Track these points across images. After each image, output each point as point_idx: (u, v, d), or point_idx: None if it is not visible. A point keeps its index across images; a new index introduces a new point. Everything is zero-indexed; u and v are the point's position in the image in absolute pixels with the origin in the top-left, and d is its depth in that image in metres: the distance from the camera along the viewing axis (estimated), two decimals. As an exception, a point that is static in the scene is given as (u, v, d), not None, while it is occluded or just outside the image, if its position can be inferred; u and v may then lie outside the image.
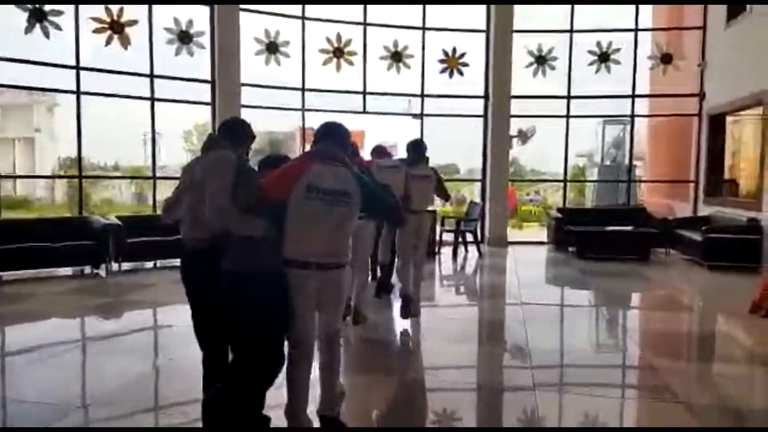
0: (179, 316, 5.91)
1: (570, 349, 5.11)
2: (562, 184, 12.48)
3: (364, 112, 11.38)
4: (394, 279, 6.28)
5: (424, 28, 11.43)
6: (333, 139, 3.02)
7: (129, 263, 8.65)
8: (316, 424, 3.07)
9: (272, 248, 2.76)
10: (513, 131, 11.67)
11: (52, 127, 27.78)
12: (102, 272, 8.24)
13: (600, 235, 10.02)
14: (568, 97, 11.78)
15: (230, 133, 3.07)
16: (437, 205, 20.44)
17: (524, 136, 11.73)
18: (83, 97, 9.24)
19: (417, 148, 5.55)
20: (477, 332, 5.71)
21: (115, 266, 8.46)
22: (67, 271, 8.18)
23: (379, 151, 5.97)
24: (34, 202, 25.09)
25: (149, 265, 8.87)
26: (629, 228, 10.18)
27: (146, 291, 7.29)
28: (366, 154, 6.19)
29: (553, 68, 11.74)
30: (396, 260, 5.83)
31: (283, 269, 2.79)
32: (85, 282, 7.73)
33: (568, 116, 11.84)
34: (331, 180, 2.82)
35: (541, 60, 11.66)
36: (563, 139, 11.94)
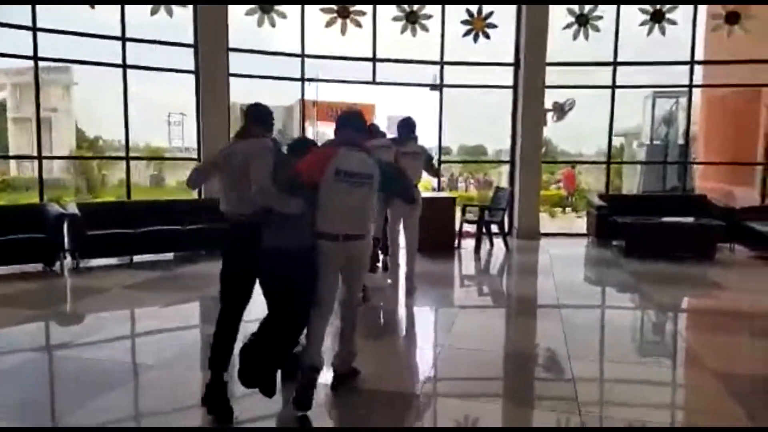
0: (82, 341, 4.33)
1: (633, 409, 3.54)
2: (600, 168, 10.75)
3: (374, 82, 9.79)
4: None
5: (444, -17, 9.74)
6: (355, 126, 3.42)
7: (90, 260, 7.33)
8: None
9: (307, 224, 3.17)
10: (548, 104, 9.96)
11: (69, 107, 27.32)
12: (59, 270, 6.96)
13: (654, 227, 8.31)
14: (615, 64, 10.01)
15: (260, 120, 3.39)
16: (463, 191, 19.15)
17: (561, 110, 10.01)
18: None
19: (406, 126, 5.92)
20: (503, 375, 4.13)
21: (72, 263, 7.17)
22: (29, 267, 6.91)
23: (371, 131, 5.71)
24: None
25: (115, 261, 7.51)
26: (689, 219, 8.45)
27: (89, 299, 5.89)
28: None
29: (597, 30, 9.96)
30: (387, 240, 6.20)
31: (314, 242, 3.20)
32: (22, 286, 6.31)
33: (614, 86, 10.08)
34: (355, 164, 3.22)
35: (583, 19, 9.87)
36: (602, 113, 10.25)
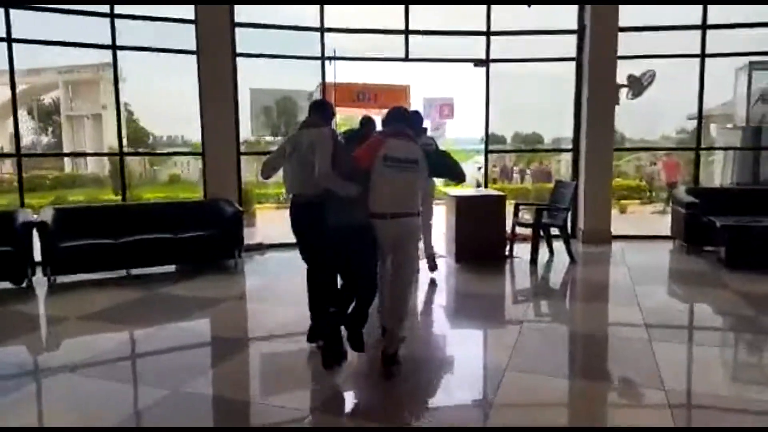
0: None
1: None
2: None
3: (407, 59, 8.23)
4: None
5: (490, -64, 8.06)
6: (401, 118, 3.86)
7: (68, 276, 6.17)
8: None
9: (363, 205, 3.57)
10: (621, 79, 8.14)
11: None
12: (27, 288, 5.86)
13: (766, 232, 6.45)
14: (704, 27, 8.08)
15: (321, 113, 3.97)
16: (518, 184, 17.30)
17: (638, 85, 8.15)
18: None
19: (418, 119, 5.61)
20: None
21: (46, 280, 6.05)
22: None
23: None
24: (89, 182, 24.38)
25: (103, 275, 6.30)
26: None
27: (22, 337, 4.67)
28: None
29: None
30: None
31: (369, 220, 3.59)
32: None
33: (703, 55, 8.15)
34: (402, 151, 3.62)
35: (664, -27, 8.00)
36: (676, 89, 8.46)
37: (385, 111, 4.03)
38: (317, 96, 8.40)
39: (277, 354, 4.18)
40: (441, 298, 5.75)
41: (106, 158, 24.09)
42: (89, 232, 6.35)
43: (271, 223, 11.30)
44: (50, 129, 29.52)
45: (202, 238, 6.63)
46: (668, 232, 8.01)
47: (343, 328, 3.73)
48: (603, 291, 5.99)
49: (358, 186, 3.55)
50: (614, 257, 7.29)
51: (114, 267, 6.38)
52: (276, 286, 6.17)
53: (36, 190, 21.58)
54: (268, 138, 9.76)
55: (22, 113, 27.74)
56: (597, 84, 7.94)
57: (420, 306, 5.20)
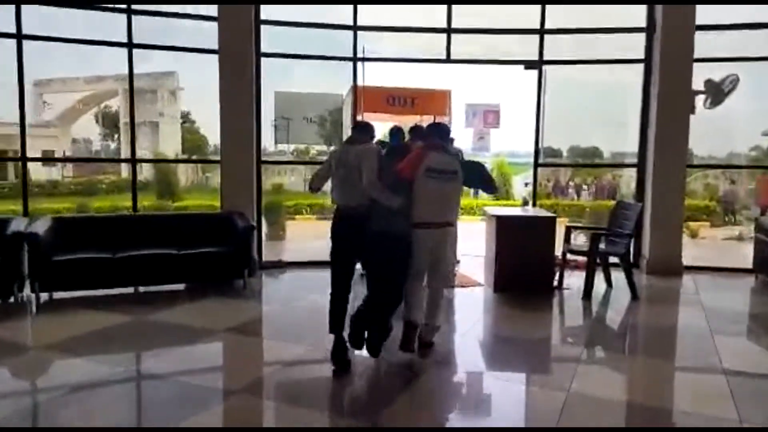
0: None
1: None
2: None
3: (448, 60, 7.37)
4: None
5: None
6: (440, 133, 4.31)
7: (60, 292, 5.62)
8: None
9: (405, 215, 3.89)
10: (697, 84, 6.99)
11: (175, 112, 27.86)
12: (15, 305, 5.33)
13: None
14: (801, 25, 6.85)
15: (365, 131, 4.19)
16: (573, 200, 16.01)
17: (718, 92, 6.98)
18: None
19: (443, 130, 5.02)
20: None
21: (36, 296, 5.51)
22: None
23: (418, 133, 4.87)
24: (141, 187, 24.54)
25: (93, 294, 5.71)
26: None
27: None
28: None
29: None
30: None
31: (409, 230, 3.93)
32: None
33: (798, 57, 6.91)
34: (442, 163, 4.00)
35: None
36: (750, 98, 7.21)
37: (422, 118, 3.91)
38: (349, 101, 7.67)
39: (261, 413, 3.39)
40: (469, 340, 4.78)
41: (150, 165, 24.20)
42: (88, 245, 5.80)
43: (309, 237, 10.56)
44: (116, 135, 30.34)
45: (208, 256, 5.97)
46: (749, 264, 6.79)
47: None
48: (673, 341, 4.84)
49: (400, 198, 3.81)
50: (685, 294, 6.15)
51: (111, 284, 5.76)
52: (282, 315, 5.41)
53: (95, 194, 22.11)
54: (319, 147, 9.09)
55: (88, 118, 28.70)
56: (669, 90, 6.83)
57: (440, 350, 4.28)
